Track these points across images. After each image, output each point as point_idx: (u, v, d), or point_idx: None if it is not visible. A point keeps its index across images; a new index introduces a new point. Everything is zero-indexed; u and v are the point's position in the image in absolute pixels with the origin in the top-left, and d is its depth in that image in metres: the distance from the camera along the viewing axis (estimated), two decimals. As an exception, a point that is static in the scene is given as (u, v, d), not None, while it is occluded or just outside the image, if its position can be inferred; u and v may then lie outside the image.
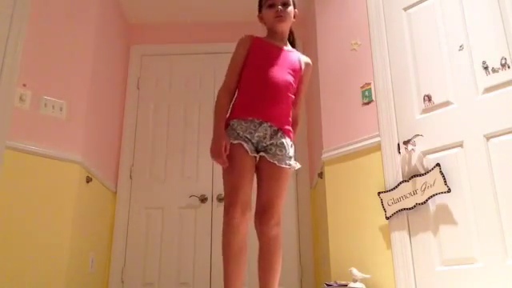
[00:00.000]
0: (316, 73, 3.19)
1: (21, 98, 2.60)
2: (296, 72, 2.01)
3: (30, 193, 2.54)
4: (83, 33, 3.05)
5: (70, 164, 2.74)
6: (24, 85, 2.62)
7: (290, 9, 2.03)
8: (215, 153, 1.83)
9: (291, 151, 1.93)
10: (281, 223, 1.88)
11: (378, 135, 2.61)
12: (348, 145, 2.75)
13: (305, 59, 2.09)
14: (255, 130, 1.87)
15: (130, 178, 3.65)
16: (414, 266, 2.32)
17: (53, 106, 2.76)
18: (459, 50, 2.35)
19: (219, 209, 3.54)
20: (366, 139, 2.67)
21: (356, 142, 2.71)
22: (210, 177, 3.63)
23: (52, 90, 2.77)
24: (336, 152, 2.80)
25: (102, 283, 3.30)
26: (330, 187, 2.80)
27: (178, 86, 3.93)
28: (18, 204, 2.48)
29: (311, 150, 3.59)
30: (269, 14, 2.02)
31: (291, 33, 2.12)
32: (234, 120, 1.90)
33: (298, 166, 1.96)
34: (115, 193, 3.58)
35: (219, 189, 3.56)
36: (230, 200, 1.79)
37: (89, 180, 2.93)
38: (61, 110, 2.79)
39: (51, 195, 2.63)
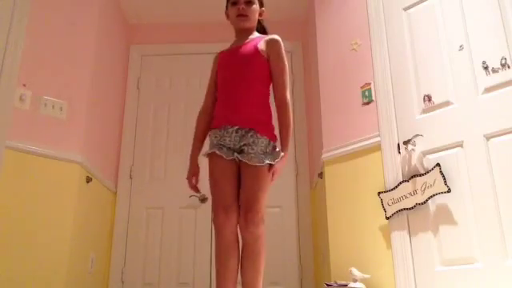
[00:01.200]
0: (316, 73, 3.19)
1: (21, 98, 2.60)
2: (252, 60, 1.93)
3: (30, 193, 2.54)
4: (83, 33, 3.05)
5: (69, 164, 2.74)
6: (24, 85, 2.62)
7: (254, 7, 1.99)
8: (188, 183, 2.04)
9: (265, 148, 1.88)
10: (261, 223, 1.83)
11: (378, 135, 2.61)
12: (348, 145, 2.75)
13: (266, 38, 1.98)
14: (228, 136, 1.90)
15: (130, 177, 3.66)
16: (414, 266, 2.32)
17: (53, 106, 2.76)
18: (459, 50, 2.35)
19: (219, 209, 3.54)
20: (365, 139, 2.67)
21: (356, 142, 2.71)
22: (210, 177, 3.62)
23: (52, 90, 2.77)
24: (336, 152, 2.80)
25: (102, 283, 3.30)
26: (330, 187, 2.79)
27: (177, 85, 3.93)
28: (18, 204, 2.48)
29: (311, 150, 3.58)
30: (232, 11, 2.01)
31: (258, 22, 2.08)
32: (212, 131, 2.00)
33: (276, 161, 1.89)
34: (115, 193, 3.58)
35: (219, 189, 3.56)
36: (213, 205, 1.88)
37: (89, 180, 2.93)
38: (61, 110, 2.79)
39: (51, 195, 2.63)
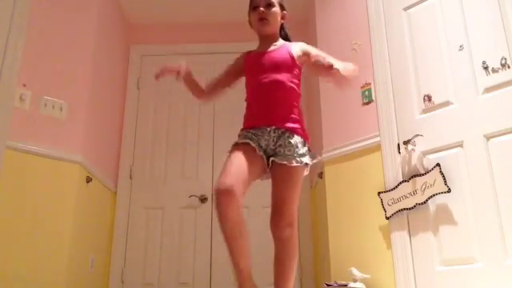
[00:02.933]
0: (316, 73, 3.19)
1: (21, 98, 2.60)
2: (287, 64, 1.93)
3: (30, 193, 2.54)
4: (83, 33, 3.05)
5: (70, 164, 2.74)
6: (24, 85, 2.62)
7: (275, 10, 1.98)
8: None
9: (302, 149, 1.86)
10: (294, 225, 1.80)
11: (378, 135, 2.61)
12: (348, 145, 2.75)
13: (297, 44, 2.01)
14: (262, 136, 1.84)
15: (130, 178, 3.66)
16: (414, 266, 2.32)
17: (53, 106, 2.76)
18: (459, 50, 2.35)
19: (219, 209, 3.54)
20: (365, 139, 2.67)
21: (356, 142, 2.71)
22: (210, 177, 3.62)
23: (52, 90, 2.77)
24: (336, 152, 2.80)
25: (102, 283, 3.29)
26: (330, 187, 2.80)
27: (177, 86, 3.90)
28: (18, 204, 2.48)
29: (311, 150, 3.58)
30: (253, 16, 1.99)
31: (282, 28, 2.07)
32: (241, 131, 1.91)
33: (312, 161, 1.89)
34: (115, 193, 3.58)
35: (219, 189, 3.56)
36: (216, 186, 1.72)
37: (89, 180, 2.93)
38: (61, 110, 2.79)
39: (51, 195, 2.63)
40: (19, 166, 2.52)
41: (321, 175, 2.98)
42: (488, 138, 2.17)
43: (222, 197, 1.68)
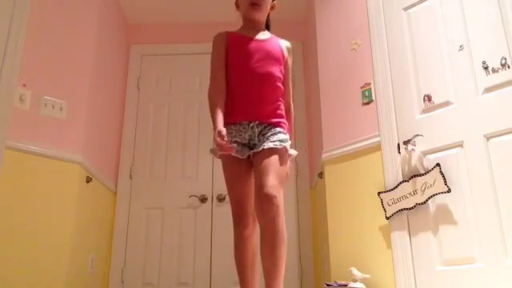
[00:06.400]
0: (316, 73, 3.19)
1: (21, 98, 2.60)
2: (279, 59, 1.92)
3: (30, 193, 2.54)
4: (83, 33, 3.05)
5: (69, 164, 2.74)
6: (24, 85, 2.62)
7: None
8: (216, 147, 1.72)
9: (283, 137, 1.82)
10: (280, 207, 1.67)
11: (378, 135, 2.61)
12: (348, 145, 2.75)
13: (285, 43, 2.00)
14: (245, 132, 1.81)
15: (130, 178, 3.66)
16: (414, 266, 2.32)
17: (53, 106, 2.76)
18: (459, 50, 2.35)
19: (219, 209, 3.54)
20: (365, 139, 2.67)
21: (356, 142, 2.71)
22: (210, 177, 3.63)
23: (52, 90, 2.77)
24: (336, 152, 2.80)
25: (102, 283, 3.30)
26: (330, 187, 2.79)
27: (177, 85, 3.93)
28: (18, 204, 2.48)
29: (311, 150, 3.59)
30: (245, 0, 1.95)
31: (267, 18, 2.03)
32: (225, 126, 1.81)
33: (292, 151, 1.86)
34: (115, 193, 3.58)
35: (219, 189, 3.57)
36: (238, 211, 1.76)
37: (89, 180, 2.93)
38: (61, 109, 2.79)
39: (51, 195, 2.63)
40: (19, 166, 2.52)
41: (321, 175, 2.98)
42: (488, 138, 2.17)
43: (241, 225, 1.73)
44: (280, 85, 1.92)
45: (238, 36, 1.94)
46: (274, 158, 1.75)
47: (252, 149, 1.82)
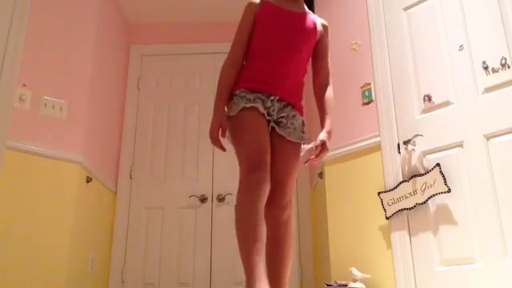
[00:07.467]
0: (316, 73, 3.18)
1: (21, 98, 2.60)
2: (311, 37, 1.81)
3: (30, 193, 2.54)
4: (83, 33, 3.05)
5: (70, 164, 2.74)
6: (24, 85, 2.62)
7: None
8: (211, 136, 1.71)
9: (301, 126, 1.76)
10: (292, 206, 1.68)
11: (378, 135, 2.61)
12: (348, 145, 2.75)
13: (321, 20, 1.89)
14: (265, 102, 1.69)
15: (130, 177, 3.66)
16: (414, 266, 2.32)
17: (53, 106, 2.76)
18: (459, 50, 2.35)
19: (219, 209, 3.54)
20: (365, 139, 2.67)
21: (356, 142, 2.71)
22: (210, 177, 3.63)
23: (52, 90, 2.77)
24: (336, 152, 2.80)
25: (102, 283, 3.29)
26: (330, 187, 2.80)
27: (177, 85, 3.93)
28: (18, 204, 2.48)
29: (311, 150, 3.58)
30: None
31: None
32: (239, 90, 1.72)
33: (307, 146, 1.77)
34: (115, 193, 3.58)
35: (219, 189, 3.57)
36: (256, 158, 1.54)
37: (89, 180, 2.93)
38: (61, 109, 2.79)
39: (51, 195, 2.63)
40: (19, 166, 2.52)
41: (321, 175, 2.98)
42: (488, 138, 2.17)
43: (260, 172, 1.51)
44: (306, 65, 1.83)
45: (272, 5, 1.80)
46: (297, 161, 1.72)
47: (269, 121, 1.70)
